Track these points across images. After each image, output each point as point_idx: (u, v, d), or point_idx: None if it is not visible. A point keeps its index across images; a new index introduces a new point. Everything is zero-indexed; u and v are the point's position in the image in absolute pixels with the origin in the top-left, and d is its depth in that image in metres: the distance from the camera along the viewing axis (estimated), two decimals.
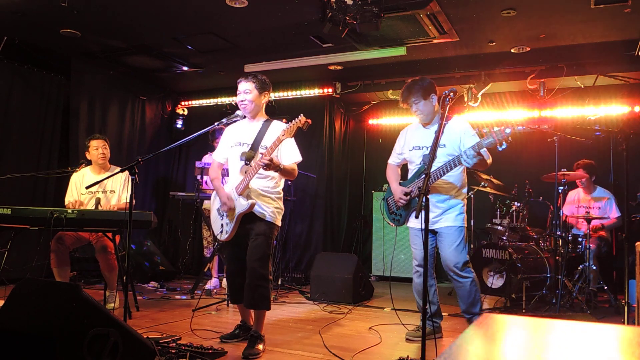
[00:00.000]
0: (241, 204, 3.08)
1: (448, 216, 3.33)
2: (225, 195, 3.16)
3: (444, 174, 3.12)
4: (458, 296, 3.40)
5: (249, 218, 3.12)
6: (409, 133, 3.58)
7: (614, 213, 5.20)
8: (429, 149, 3.22)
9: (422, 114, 3.39)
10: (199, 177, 5.36)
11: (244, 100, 3.20)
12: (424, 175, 3.10)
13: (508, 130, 2.77)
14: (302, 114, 2.94)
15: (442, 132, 3.21)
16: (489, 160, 3.22)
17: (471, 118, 6.35)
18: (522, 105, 6.13)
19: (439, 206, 3.34)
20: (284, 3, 4.26)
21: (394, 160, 3.65)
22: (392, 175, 3.58)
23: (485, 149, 3.05)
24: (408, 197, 3.32)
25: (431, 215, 3.26)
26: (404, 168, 3.66)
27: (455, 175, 3.34)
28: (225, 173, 3.60)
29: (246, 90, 3.21)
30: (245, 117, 3.27)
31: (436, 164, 3.11)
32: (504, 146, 2.80)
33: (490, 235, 5.54)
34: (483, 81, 5.65)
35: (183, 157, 7.36)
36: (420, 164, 3.35)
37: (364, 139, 7.65)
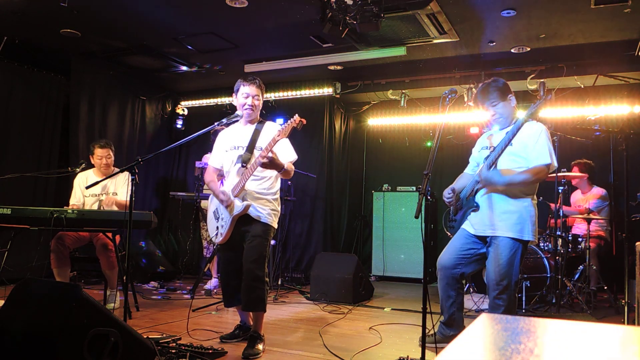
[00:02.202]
0: (236, 206, 3.08)
1: (504, 223, 2.90)
2: (220, 192, 3.15)
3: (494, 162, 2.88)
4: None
5: (245, 220, 3.12)
6: (483, 136, 3.27)
7: (594, 204, 5.15)
8: (495, 148, 2.95)
9: (501, 117, 3.04)
10: (199, 176, 5.37)
11: (253, 106, 3.18)
12: (479, 171, 2.97)
13: (549, 96, 2.61)
14: (296, 114, 2.91)
15: (513, 132, 2.89)
16: (551, 161, 2.89)
17: (471, 118, 6.36)
18: (522, 106, 6.12)
19: (494, 208, 2.93)
20: (284, 3, 4.26)
21: (468, 168, 3.33)
22: (459, 179, 3.28)
23: (550, 149, 2.85)
24: (452, 193, 3.10)
25: (485, 218, 2.98)
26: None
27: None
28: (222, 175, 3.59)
29: (256, 95, 3.19)
30: (241, 118, 3.25)
31: (500, 164, 2.91)
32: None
33: None
34: (483, 81, 5.64)
35: (183, 157, 7.37)
36: (484, 162, 3.02)
37: (364, 139, 7.65)
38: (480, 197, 3.05)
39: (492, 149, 3.00)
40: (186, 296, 5.03)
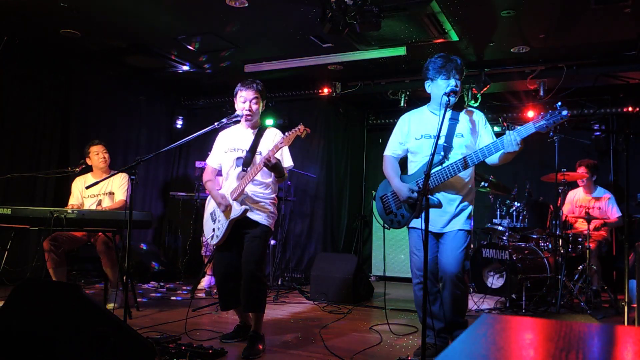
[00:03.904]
0: (235, 209, 3.08)
1: (458, 218, 2.92)
2: (219, 195, 3.15)
3: (475, 163, 2.75)
4: (450, 309, 2.94)
5: (244, 223, 3.11)
6: (414, 119, 3.08)
7: (614, 213, 5.20)
8: (444, 138, 2.86)
9: (457, 95, 2.95)
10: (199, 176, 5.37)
11: (251, 110, 3.14)
12: (439, 169, 2.81)
13: (565, 112, 2.34)
14: (301, 123, 2.89)
15: (458, 120, 2.95)
16: None
17: None
18: (518, 105, 6.12)
19: (453, 205, 2.91)
20: (284, 3, 4.26)
21: (394, 151, 3.11)
22: (392, 170, 3.06)
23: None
24: (416, 194, 2.86)
25: (440, 216, 2.90)
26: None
27: (469, 172, 2.95)
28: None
29: (254, 99, 3.15)
30: (241, 119, 3.24)
31: (455, 156, 2.81)
32: (552, 136, 2.43)
33: (490, 235, 5.54)
34: (483, 81, 5.64)
35: (183, 157, 7.37)
36: (437, 154, 2.82)
37: (364, 139, 7.66)
38: (440, 195, 2.91)
39: (443, 137, 2.86)
40: (186, 296, 5.03)
